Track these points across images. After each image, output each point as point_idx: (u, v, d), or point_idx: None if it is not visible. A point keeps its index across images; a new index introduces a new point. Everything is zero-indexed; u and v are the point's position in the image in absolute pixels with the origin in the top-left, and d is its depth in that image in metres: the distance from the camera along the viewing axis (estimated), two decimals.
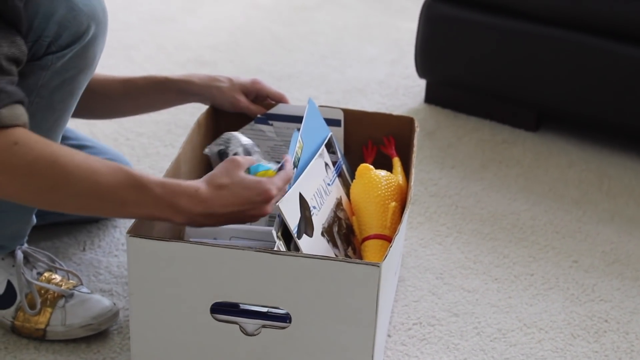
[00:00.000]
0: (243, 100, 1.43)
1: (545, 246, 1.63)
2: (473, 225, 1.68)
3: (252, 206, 1.13)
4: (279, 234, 1.19)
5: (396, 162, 1.46)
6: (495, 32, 1.97)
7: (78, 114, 1.33)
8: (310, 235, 1.22)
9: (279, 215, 1.21)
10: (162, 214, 1.10)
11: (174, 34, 2.47)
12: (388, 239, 1.30)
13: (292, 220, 1.19)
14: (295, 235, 1.19)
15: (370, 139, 1.51)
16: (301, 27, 2.57)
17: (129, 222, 1.61)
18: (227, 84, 1.42)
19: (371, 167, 1.38)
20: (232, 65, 2.31)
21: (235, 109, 1.45)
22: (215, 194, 1.11)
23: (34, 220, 1.34)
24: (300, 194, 1.23)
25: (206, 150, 1.32)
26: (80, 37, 1.16)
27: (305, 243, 1.21)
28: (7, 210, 1.28)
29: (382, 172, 1.37)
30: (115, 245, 1.56)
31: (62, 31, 1.14)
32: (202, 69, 2.26)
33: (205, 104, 1.47)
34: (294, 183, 1.23)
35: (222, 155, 1.29)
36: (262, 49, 2.42)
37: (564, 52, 1.90)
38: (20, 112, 1.03)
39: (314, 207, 1.25)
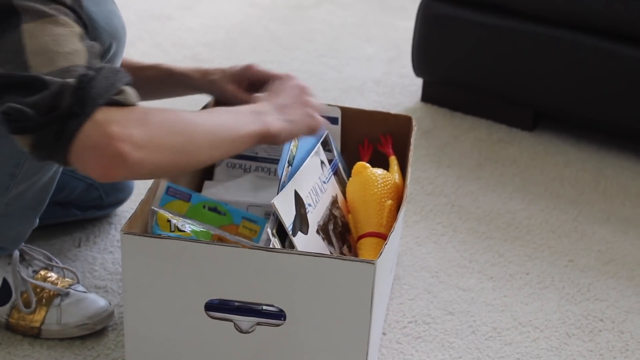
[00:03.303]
0: (230, 89, 1.39)
1: (541, 245, 1.63)
2: (469, 224, 1.68)
3: (304, 102, 1.20)
4: (274, 231, 1.19)
5: (392, 160, 1.46)
6: (492, 31, 1.97)
7: None
8: (306, 232, 1.22)
9: (274, 213, 1.21)
10: (255, 124, 1.11)
11: (172, 32, 2.47)
12: (384, 237, 1.30)
13: (287, 217, 1.19)
14: (290, 232, 1.19)
15: (366, 138, 1.51)
16: (298, 26, 2.57)
17: (123, 219, 1.61)
18: (217, 76, 1.41)
19: (367, 165, 1.38)
20: (229, 62, 2.27)
21: (226, 100, 1.43)
22: (269, 97, 1.20)
23: (37, 222, 1.34)
24: (295, 192, 1.22)
25: None
26: (101, 56, 1.15)
27: (300, 241, 1.21)
28: (10, 213, 1.27)
29: (379, 171, 1.37)
30: (110, 242, 1.56)
31: None
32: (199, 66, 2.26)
33: (209, 96, 1.47)
34: (289, 181, 1.23)
35: None
36: (259, 47, 2.42)
37: (561, 51, 1.90)
38: (134, 91, 1.01)
39: (309, 205, 1.25)
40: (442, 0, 2.02)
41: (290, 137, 1.17)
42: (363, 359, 1.17)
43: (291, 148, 1.28)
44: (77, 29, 1.00)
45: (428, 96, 2.13)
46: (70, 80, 0.95)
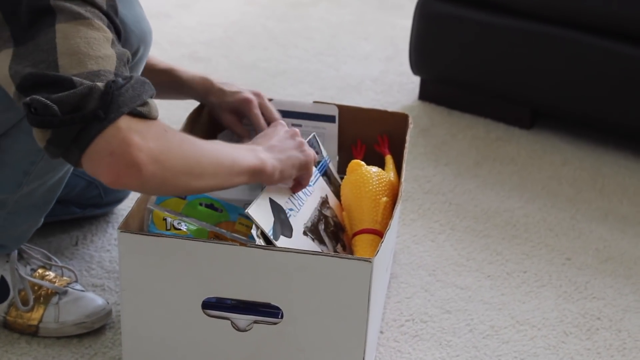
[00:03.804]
0: (226, 119, 1.43)
1: (539, 243, 1.63)
2: (466, 222, 1.68)
3: (292, 142, 1.21)
4: (259, 233, 1.18)
5: (389, 159, 1.46)
6: (489, 29, 1.97)
7: None
8: (289, 235, 1.22)
9: None
10: (253, 158, 1.13)
11: (169, 30, 2.47)
12: (379, 234, 1.30)
13: (266, 224, 1.18)
14: (272, 237, 1.18)
15: (364, 135, 1.51)
16: (296, 24, 2.56)
17: (121, 218, 1.61)
18: (217, 100, 1.43)
19: (362, 163, 1.37)
20: (226, 61, 2.31)
21: (221, 124, 1.46)
22: (258, 141, 1.21)
23: (41, 222, 1.34)
24: (270, 199, 1.22)
25: None
26: (130, 59, 1.16)
27: (284, 244, 1.20)
28: (18, 211, 1.28)
29: (374, 169, 1.37)
30: (107, 240, 1.56)
31: None
32: (197, 65, 2.26)
33: None
34: (263, 189, 1.23)
35: None
36: (257, 45, 2.42)
37: (559, 49, 1.90)
38: (155, 103, 1.03)
39: (291, 210, 1.24)
40: None
41: (283, 177, 1.18)
42: (360, 358, 1.17)
43: None
44: (109, 34, 1.01)
45: (426, 94, 2.13)
46: (99, 84, 0.96)
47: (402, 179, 1.33)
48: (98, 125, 0.95)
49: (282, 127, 1.26)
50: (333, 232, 1.32)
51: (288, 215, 1.23)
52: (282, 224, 1.21)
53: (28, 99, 0.95)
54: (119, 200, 1.61)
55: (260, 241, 1.17)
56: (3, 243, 1.32)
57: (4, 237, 1.31)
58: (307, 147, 1.24)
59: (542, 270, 1.56)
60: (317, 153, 1.40)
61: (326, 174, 1.39)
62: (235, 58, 2.33)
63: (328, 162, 1.42)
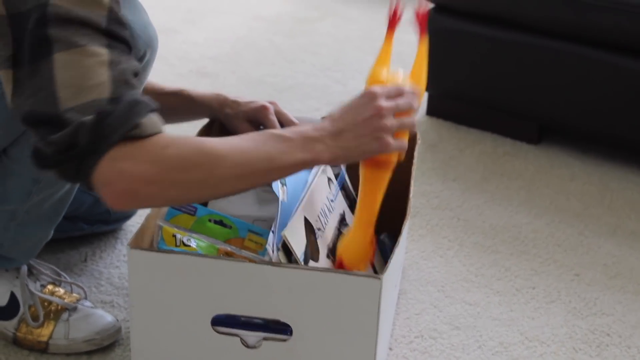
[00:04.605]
0: (243, 128, 1.41)
1: (547, 259, 1.63)
2: (475, 237, 1.68)
3: (371, 126, 1.10)
4: (280, 245, 1.19)
5: (422, 46, 1.32)
6: (497, 44, 1.97)
7: None
8: (316, 260, 1.22)
9: (272, 231, 1.21)
10: (303, 152, 1.08)
11: (177, 46, 2.48)
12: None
13: (298, 247, 1.18)
14: (302, 263, 1.18)
15: None
16: (303, 39, 2.57)
17: (129, 234, 1.61)
18: (232, 111, 1.42)
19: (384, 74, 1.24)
20: (234, 76, 2.32)
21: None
22: (334, 117, 1.12)
23: (51, 234, 1.35)
24: (305, 219, 1.22)
25: None
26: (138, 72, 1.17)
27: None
28: (28, 222, 1.28)
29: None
30: (116, 257, 1.56)
31: None
32: (204, 80, 2.27)
33: None
34: (298, 205, 1.22)
35: None
36: (264, 60, 2.43)
37: (566, 64, 1.90)
38: (157, 119, 1.04)
39: (319, 230, 1.24)
40: (447, 14, 2.03)
41: (343, 163, 1.15)
42: None
43: None
44: (105, 57, 1.02)
45: (433, 109, 2.13)
46: (88, 117, 0.99)
47: (411, 195, 1.32)
48: (92, 160, 0.99)
49: (368, 103, 1.12)
50: None
51: (317, 236, 1.23)
52: (312, 246, 1.21)
53: (33, 143, 1.02)
54: (127, 217, 1.62)
55: (280, 254, 1.17)
56: (13, 257, 1.32)
57: (14, 251, 1.32)
58: (387, 135, 1.11)
59: (551, 286, 1.56)
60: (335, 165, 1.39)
61: (343, 188, 1.39)
62: (243, 73, 2.34)
63: (345, 174, 1.42)
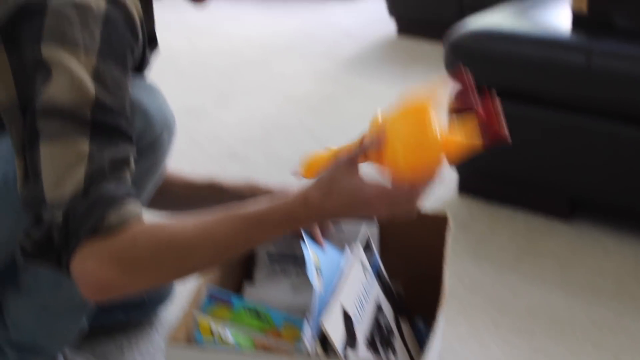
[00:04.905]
0: None
1: (585, 341, 1.61)
2: (509, 319, 1.67)
3: (361, 213, 1.15)
4: (317, 335, 1.18)
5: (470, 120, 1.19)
6: (527, 122, 1.98)
7: None
8: (353, 347, 1.21)
9: (308, 321, 1.21)
10: (288, 229, 1.11)
11: (207, 128, 2.51)
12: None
13: (337, 337, 1.17)
14: (342, 355, 1.17)
15: (405, 239, 1.50)
16: (332, 118, 2.60)
17: (165, 322, 1.61)
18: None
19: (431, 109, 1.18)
20: (264, 158, 2.34)
21: None
22: (331, 191, 1.15)
23: (86, 324, 1.35)
24: (342, 307, 1.21)
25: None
26: (153, 146, 1.22)
27: (349, 357, 1.19)
28: (59, 313, 1.29)
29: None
30: (152, 346, 1.56)
31: (139, 141, 1.18)
32: (235, 162, 2.29)
33: None
34: (331, 291, 1.22)
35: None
36: (294, 140, 2.45)
37: (597, 141, 1.90)
38: (128, 209, 1.05)
39: (355, 317, 1.24)
40: None
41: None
42: None
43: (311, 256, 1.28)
44: (85, 147, 1.04)
45: (465, 187, 2.13)
46: (59, 215, 1.02)
47: (445, 279, 1.32)
48: (64, 257, 1.03)
49: (366, 202, 1.17)
50: (386, 340, 1.31)
51: (354, 325, 1.22)
52: (350, 336, 1.20)
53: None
54: (162, 300, 1.61)
55: (317, 345, 1.17)
56: (47, 346, 1.32)
57: (47, 341, 1.32)
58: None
59: None
60: (369, 251, 1.39)
61: (378, 275, 1.39)
62: (273, 154, 2.36)
63: (379, 260, 1.42)
